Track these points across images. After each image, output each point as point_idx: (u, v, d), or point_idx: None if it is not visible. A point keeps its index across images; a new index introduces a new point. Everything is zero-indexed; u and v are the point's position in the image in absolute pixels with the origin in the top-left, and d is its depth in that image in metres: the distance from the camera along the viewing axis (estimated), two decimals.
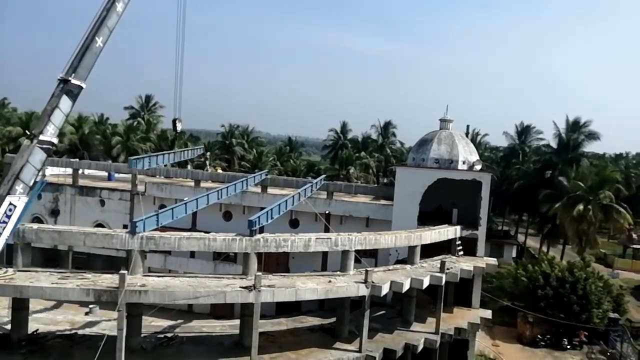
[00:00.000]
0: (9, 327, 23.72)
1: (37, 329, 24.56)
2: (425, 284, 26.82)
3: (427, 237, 29.65)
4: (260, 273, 23.05)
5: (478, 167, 34.30)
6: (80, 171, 40.22)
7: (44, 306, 28.18)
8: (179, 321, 28.67)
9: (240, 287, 22.63)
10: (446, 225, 31.82)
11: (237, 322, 25.36)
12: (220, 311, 30.83)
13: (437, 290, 27.96)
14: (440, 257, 30.46)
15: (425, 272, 27.86)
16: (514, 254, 56.75)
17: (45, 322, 26.30)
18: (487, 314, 31.89)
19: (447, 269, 28.27)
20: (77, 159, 48.58)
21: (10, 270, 22.58)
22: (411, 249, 29.21)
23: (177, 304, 25.16)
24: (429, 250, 30.26)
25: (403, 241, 28.52)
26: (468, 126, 55.71)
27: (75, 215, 37.27)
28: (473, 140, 54.66)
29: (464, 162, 33.94)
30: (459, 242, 32.36)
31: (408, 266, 28.77)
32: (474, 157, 34.96)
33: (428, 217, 32.56)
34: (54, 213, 37.33)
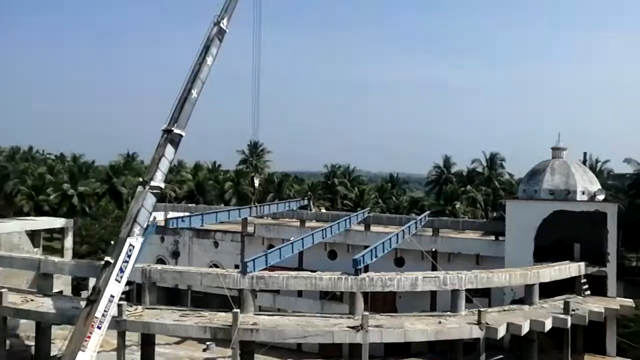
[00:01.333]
0: None
1: None
2: (548, 326, 24.57)
3: (546, 275, 27.35)
4: (367, 313, 22.78)
5: (601, 197, 31.29)
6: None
7: (165, 341, 30.23)
8: None
9: (347, 326, 22.51)
10: (567, 261, 29.14)
11: None
12: (329, 351, 30.70)
13: (563, 334, 25.42)
14: (564, 297, 27.79)
15: (546, 313, 25.59)
16: None
17: (168, 357, 28.20)
18: None
19: (573, 310, 25.69)
20: (194, 204, 52.76)
21: (140, 308, 24.76)
22: (528, 287, 27.07)
23: (286, 343, 25.60)
24: (549, 290, 27.80)
25: (518, 279, 26.60)
26: (585, 153, 51.20)
27: (192, 257, 40.04)
28: (592, 168, 50.15)
29: (583, 192, 31.20)
30: (585, 280, 29.36)
31: (526, 307, 26.63)
32: (595, 186, 32.00)
33: (545, 253, 30.06)
34: (175, 255, 40.42)
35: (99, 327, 19.71)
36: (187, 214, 43.78)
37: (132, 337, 26.25)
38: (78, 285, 39.03)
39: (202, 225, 37.86)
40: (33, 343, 27.89)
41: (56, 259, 30.18)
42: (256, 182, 32.23)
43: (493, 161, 68.11)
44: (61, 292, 33.26)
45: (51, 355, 26.17)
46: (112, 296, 20.38)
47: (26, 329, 30.02)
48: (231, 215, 37.08)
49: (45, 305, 25.74)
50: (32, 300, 26.57)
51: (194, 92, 23.38)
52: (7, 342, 27.42)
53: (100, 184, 74.31)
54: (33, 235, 37.91)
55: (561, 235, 31.39)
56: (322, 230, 30.98)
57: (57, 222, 41.13)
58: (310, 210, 45.72)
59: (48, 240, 54.98)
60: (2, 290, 26.40)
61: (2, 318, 26.28)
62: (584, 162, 43.32)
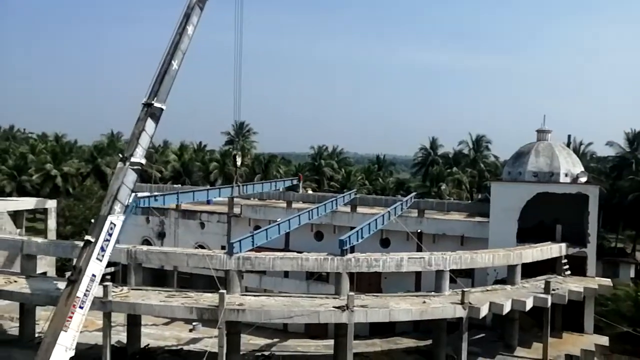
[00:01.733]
0: (125, 341, 25.80)
1: (148, 344, 26.45)
2: (529, 305, 25.10)
3: (528, 256, 27.84)
4: (352, 293, 23.00)
5: (583, 179, 31.73)
6: None
7: (153, 322, 30.28)
8: (275, 340, 29.36)
9: (333, 307, 22.73)
10: (549, 242, 29.67)
11: (331, 342, 25.43)
12: (314, 331, 31.10)
13: (543, 313, 26.01)
14: (545, 277, 28.37)
15: (527, 293, 26.11)
16: (632, 274, 51.09)
17: (154, 337, 28.28)
18: (604, 340, 28.99)
19: (553, 289, 26.28)
20: (180, 185, 52.37)
21: (125, 288, 24.68)
22: (511, 268, 27.56)
23: (272, 323, 25.81)
24: (531, 270, 28.34)
25: (501, 260, 27.03)
26: (569, 136, 51.66)
27: (178, 238, 39.93)
28: (576, 151, 50.71)
29: (566, 175, 31.60)
30: (565, 260, 29.97)
31: (508, 286, 27.15)
32: (578, 168, 32.43)
33: (528, 234, 30.57)
34: (161, 235, 40.25)
35: (80, 307, 19.45)
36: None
37: (118, 318, 26.26)
38: (62, 266, 38.77)
39: (177, 205, 36.91)
40: (17, 324, 27.75)
41: (39, 239, 29.90)
42: (238, 161, 31.56)
43: (479, 143, 68.51)
44: (45, 273, 33.01)
45: (35, 336, 26.09)
46: (93, 275, 19.96)
47: (10, 310, 29.81)
48: (210, 194, 36.10)
49: (29, 286, 25.55)
50: (15, 281, 26.34)
51: (175, 64, 22.47)
52: None
53: (84, 164, 73.33)
54: (15, 216, 37.39)
55: (544, 216, 31.94)
56: (309, 211, 31.02)
57: (40, 203, 40.59)
58: (298, 191, 45.76)
59: (31, 221, 54.43)
60: None
61: None
62: (568, 145, 43.81)
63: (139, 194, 28.36)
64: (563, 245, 29.82)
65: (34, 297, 24.95)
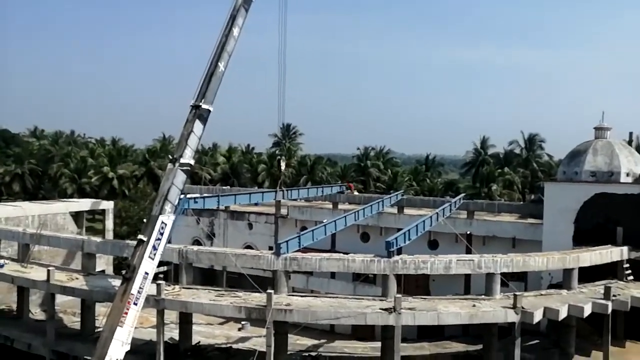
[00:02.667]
0: (177, 338, 26.67)
1: (199, 341, 27.21)
2: (587, 311, 23.94)
3: (586, 259, 26.55)
4: (400, 295, 22.75)
5: None
6: None
7: (204, 321, 31.10)
8: (322, 341, 29.44)
9: (380, 309, 22.56)
10: (609, 245, 28.18)
11: (378, 344, 25.23)
12: (361, 332, 30.95)
13: (603, 320, 24.74)
14: (604, 282, 26.97)
15: (585, 298, 24.91)
16: None
17: (205, 335, 29.07)
18: None
19: (614, 295, 24.91)
20: (229, 187, 53.58)
21: (177, 287, 25.51)
22: (567, 272, 26.38)
23: (319, 324, 25.92)
24: (589, 274, 27.01)
25: (556, 263, 25.93)
26: (631, 133, 48.91)
27: (228, 238, 40.86)
28: (638, 149, 48.01)
29: (627, 174, 29.93)
30: (627, 265, 28.36)
31: (564, 291, 26.00)
32: None
33: (586, 236, 29.16)
34: (211, 236, 41.35)
35: (135, 304, 20.27)
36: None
37: (171, 316, 27.18)
38: (119, 264, 40.57)
39: (217, 208, 36.96)
40: (79, 319, 29.27)
41: (98, 239, 31.43)
42: (282, 165, 31.80)
43: (532, 142, 66.11)
44: (104, 271, 34.67)
45: (95, 330, 27.42)
46: (146, 273, 20.71)
47: (72, 306, 31.49)
48: (252, 198, 36.03)
49: (89, 283, 26.91)
50: (77, 278, 27.81)
51: (221, 65, 22.79)
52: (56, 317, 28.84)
53: (138, 167, 76.50)
54: (77, 216, 39.48)
55: (603, 218, 30.32)
56: (355, 212, 30.95)
57: (99, 204, 42.63)
58: (347, 193, 45.50)
59: (90, 222, 57.22)
60: (50, 268, 27.75)
61: (51, 295, 27.65)
62: (630, 143, 41.57)
63: (189, 195, 29.21)
64: (625, 248, 28.24)
65: (93, 294, 26.28)
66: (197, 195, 44.26)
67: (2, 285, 31.81)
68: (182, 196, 23.01)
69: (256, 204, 42.66)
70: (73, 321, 30.65)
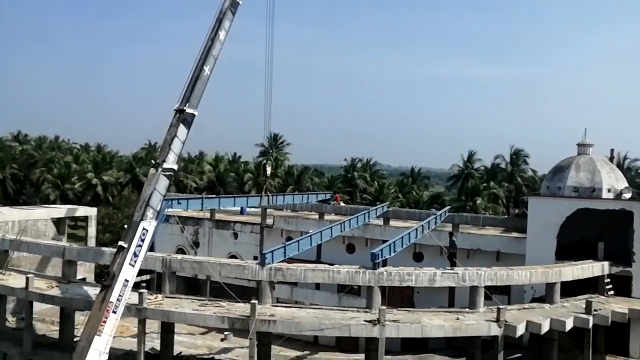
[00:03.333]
0: (158, 348, 26.23)
1: (181, 352, 26.80)
2: (569, 325, 24.16)
3: (568, 274, 26.86)
4: (384, 307, 22.73)
5: (627, 195, 30.49)
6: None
7: (186, 330, 30.68)
8: (306, 352, 29.22)
9: (364, 320, 22.51)
10: (591, 260, 28.55)
11: (362, 356, 25.10)
12: (345, 344, 30.78)
13: (584, 334, 24.96)
14: (586, 296, 27.28)
15: (567, 312, 25.16)
16: None
17: (187, 345, 28.65)
18: None
19: (595, 310, 25.19)
20: (214, 195, 53.21)
21: (160, 296, 25.16)
22: (549, 286, 26.64)
23: (303, 335, 25.73)
24: (571, 289, 27.31)
25: (539, 277, 26.18)
26: (612, 150, 49.76)
27: (212, 247, 40.49)
28: (620, 166, 48.89)
29: (609, 190, 30.45)
30: (608, 280, 28.73)
31: (546, 305, 26.23)
32: (622, 184, 31.20)
33: (568, 251, 29.51)
34: (195, 245, 40.96)
35: (114, 312, 19.87)
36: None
37: (153, 325, 26.75)
38: (101, 272, 39.92)
39: (201, 210, 36.19)
40: (57, 328, 28.66)
41: (80, 246, 30.92)
42: (268, 170, 31.50)
43: (517, 157, 67.01)
44: (84, 279, 34.06)
45: (74, 340, 26.86)
46: (126, 280, 20.31)
47: (51, 314, 30.84)
48: (237, 202, 35.22)
49: (70, 291, 26.41)
50: (56, 286, 27.28)
51: (207, 69, 22.52)
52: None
53: (123, 174, 75.72)
54: (58, 222, 38.82)
55: (585, 233, 30.78)
56: (341, 223, 30.94)
57: (82, 211, 42.02)
58: (334, 203, 45.49)
59: (72, 228, 56.30)
60: (29, 275, 27.18)
61: (29, 302, 27.06)
62: (611, 159, 42.29)
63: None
64: (606, 263, 28.64)
65: (73, 302, 25.79)
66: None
67: None
68: (163, 204, 22.63)
69: (242, 213, 42.49)
70: (51, 330, 30.01)
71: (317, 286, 33.64)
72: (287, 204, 39.18)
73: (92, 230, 40.42)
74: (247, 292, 25.59)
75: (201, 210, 36.05)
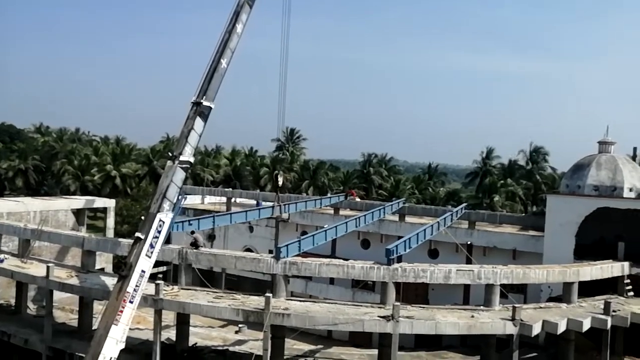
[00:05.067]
0: (174, 338, 26.61)
1: (196, 343, 27.14)
2: (586, 326, 23.81)
3: (587, 274, 26.44)
4: (398, 303, 22.68)
5: None
6: (232, 199, 44.34)
7: (201, 322, 31.06)
8: (319, 346, 29.35)
9: (378, 316, 22.49)
10: (610, 260, 28.06)
11: (375, 351, 25.14)
12: (358, 339, 30.84)
13: (602, 335, 24.59)
14: (604, 297, 26.84)
15: (585, 312, 24.79)
16: None
17: (202, 336, 29.01)
18: None
19: (614, 311, 24.78)
20: (230, 189, 53.62)
21: (176, 287, 25.48)
22: (567, 285, 26.27)
23: (317, 329, 25.85)
24: (589, 289, 26.89)
25: (557, 277, 25.83)
26: (635, 148, 48.74)
27: (228, 240, 40.83)
28: None
29: (630, 189, 29.84)
30: (628, 281, 28.22)
31: (563, 305, 25.88)
32: None
33: (587, 250, 29.05)
34: (211, 237, 41.30)
35: (130, 302, 20.12)
36: (223, 198, 44.68)
37: (169, 316, 27.13)
38: (119, 263, 40.58)
39: (213, 229, 34.98)
40: (76, 316, 29.25)
41: (99, 237, 31.46)
42: (280, 180, 31.03)
43: (537, 154, 66.09)
44: (103, 269, 34.68)
45: (92, 328, 27.40)
46: (143, 271, 20.47)
47: (70, 303, 31.48)
48: (248, 216, 34.00)
49: (88, 280, 26.91)
50: (75, 275, 27.82)
51: (224, 62, 22.46)
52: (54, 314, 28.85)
53: (141, 166, 76.67)
54: (78, 213, 39.55)
55: (605, 233, 30.27)
56: (356, 219, 30.92)
57: (100, 202, 42.71)
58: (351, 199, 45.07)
59: (92, 219, 57.33)
60: (50, 264, 27.77)
61: (49, 291, 27.66)
62: (634, 158, 41.43)
63: (193, 197, 28.11)
64: (626, 264, 28.12)
65: (92, 291, 26.28)
66: (200, 196, 43.59)
67: (2, 280, 31.88)
68: (180, 196, 22.74)
69: (257, 206, 42.38)
70: (70, 318, 30.64)
71: (332, 281, 33.73)
72: (297, 210, 37.08)
73: (110, 221, 41.09)
74: (262, 286, 25.76)
75: (212, 228, 33.67)
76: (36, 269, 28.67)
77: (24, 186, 78.90)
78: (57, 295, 28.93)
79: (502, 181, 63.47)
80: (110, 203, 41.96)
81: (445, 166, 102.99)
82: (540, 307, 25.60)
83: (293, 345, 27.27)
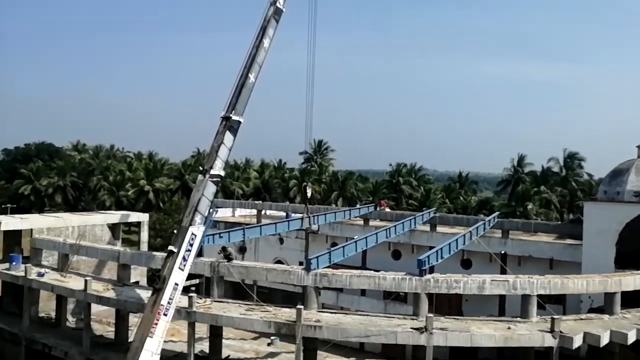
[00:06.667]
0: (207, 351, 26.81)
1: (229, 355, 27.28)
2: (631, 338, 22.83)
3: (629, 283, 25.39)
4: (431, 315, 22.29)
5: None
6: (262, 212, 44.70)
7: (235, 335, 31.19)
8: (352, 359, 29.01)
9: (411, 328, 22.14)
10: None
11: None
12: (391, 352, 30.36)
13: None
14: None
15: (629, 324, 23.78)
16: None
17: (235, 349, 29.11)
18: None
19: None
20: (260, 201, 54.05)
21: (208, 300, 25.75)
22: (608, 296, 25.28)
23: (349, 342, 25.61)
24: (633, 300, 25.79)
25: (597, 287, 24.90)
26: None
27: (259, 252, 41.06)
28: None
29: None
30: None
31: (606, 316, 24.89)
32: None
33: (629, 259, 27.95)
34: (242, 250, 41.64)
35: (165, 314, 20.46)
36: (254, 211, 44.98)
37: (202, 328, 27.37)
38: (153, 276, 41.33)
39: (243, 241, 35.27)
40: (113, 329, 29.87)
41: (133, 251, 32.15)
42: (309, 192, 31.09)
43: (571, 160, 64.28)
44: (138, 282, 35.37)
45: (129, 340, 27.90)
46: (176, 284, 20.86)
47: (107, 315, 32.19)
48: (278, 228, 33.87)
49: (124, 293, 27.49)
50: (112, 288, 28.47)
51: (252, 77, 22.84)
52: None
53: (173, 180, 78.26)
54: (114, 228, 40.55)
55: None
56: (386, 229, 30.66)
57: (135, 217, 43.68)
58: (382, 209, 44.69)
59: (126, 233, 58.62)
60: (87, 278, 28.52)
61: (87, 304, 28.38)
62: None
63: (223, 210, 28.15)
64: None
65: (127, 304, 26.83)
66: (230, 209, 43.99)
67: (43, 294, 32.87)
68: (211, 210, 23.09)
69: (287, 217, 42.49)
70: (107, 330, 31.30)
71: (363, 292, 33.41)
72: (327, 222, 37.08)
73: (144, 235, 41.92)
74: (293, 297, 25.73)
75: (242, 240, 33.92)
76: (75, 283, 29.50)
77: (62, 202, 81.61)
78: (95, 308, 29.62)
79: (535, 189, 61.95)
80: (144, 217, 42.86)
81: (476, 174, 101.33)
82: (581, 319, 24.68)
83: (325, 358, 27.02)
